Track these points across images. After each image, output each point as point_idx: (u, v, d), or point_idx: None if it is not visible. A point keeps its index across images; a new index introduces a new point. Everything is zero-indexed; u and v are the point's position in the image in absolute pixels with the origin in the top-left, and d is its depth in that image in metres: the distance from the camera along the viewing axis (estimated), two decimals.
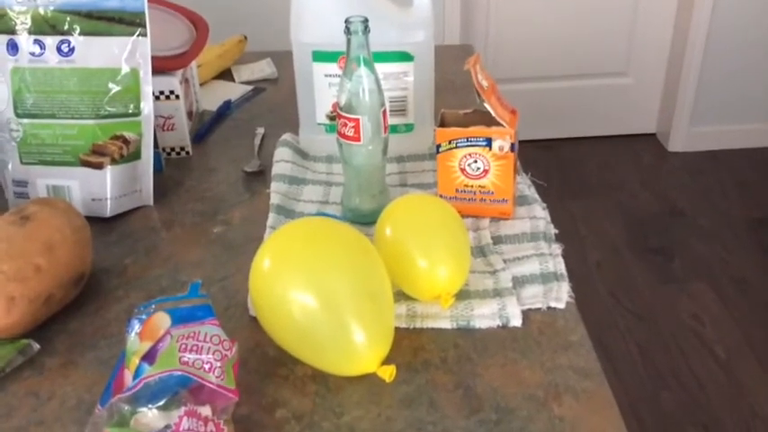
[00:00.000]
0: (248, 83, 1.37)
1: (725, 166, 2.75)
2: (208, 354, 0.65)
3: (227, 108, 1.27)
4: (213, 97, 1.30)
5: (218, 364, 0.65)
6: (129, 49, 0.94)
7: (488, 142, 0.90)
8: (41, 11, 0.92)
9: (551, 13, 2.66)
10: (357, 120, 0.89)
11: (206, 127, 1.21)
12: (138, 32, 0.93)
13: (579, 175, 2.73)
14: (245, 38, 1.43)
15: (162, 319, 0.67)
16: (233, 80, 1.38)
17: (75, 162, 0.96)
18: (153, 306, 0.69)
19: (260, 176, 1.08)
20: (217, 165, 1.12)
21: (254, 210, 1.00)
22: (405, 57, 1.03)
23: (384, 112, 0.91)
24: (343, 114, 0.89)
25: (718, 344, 1.99)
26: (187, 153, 1.14)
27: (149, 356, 0.65)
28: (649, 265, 2.29)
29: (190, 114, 1.17)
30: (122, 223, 0.99)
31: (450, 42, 2.58)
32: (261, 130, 1.19)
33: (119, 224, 0.99)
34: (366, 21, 0.86)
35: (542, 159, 2.80)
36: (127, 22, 0.93)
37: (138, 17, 0.93)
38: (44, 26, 0.92)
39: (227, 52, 1.39)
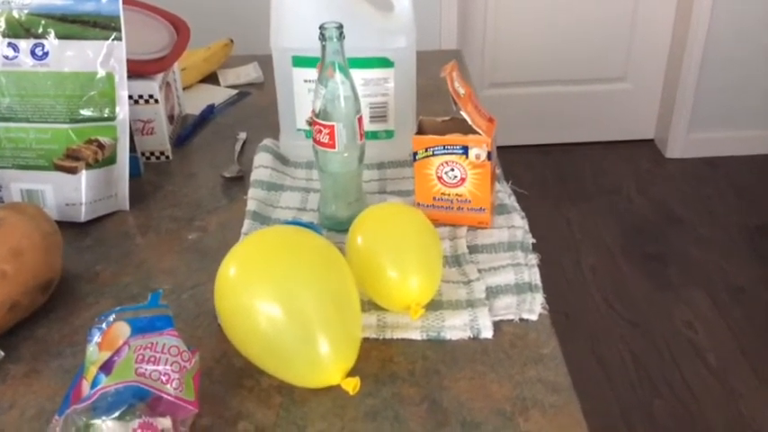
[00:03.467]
0: (234, 87, 1.36)
1: (723, 172, 2.73)
2: (165, 365, 0.64)
3: (210, 112, 1.26)
4: (197, 101, 1.29)
5: (177, 375, 0.64)
6: (105, 53, 0.93)
7: (465, 150, 0.89)
8: (16, 14, 0.91)
9: (550, 18, 2.65)
10: (332, 126, 0.88)
11: (188, 131, 1.20)
12: (113, 36, 0.93)
13: (576, 180, 2.71)
14: (232, 41, 1.42)
15: (121, 329, 0.67)
16: (218, 84, 1.37)
17: (49, 166, 0.95)
18: (113, 315, 0.68)
19: (239, 182, 1.07)
20: (197, 170, 1.11)
21: (231, 216, 0.99)
22: (385, 63, 1.02)
23: (360, 118, 0.89)
24: (318, 121, 0.88)
25: (712, 352, 1.97)
26: (167, 157, 1.13)
27: (107, 367, 0.64)
28: (645, 271, 2.27)
29: (171, 118, 1.16)
30: (97, 228, 0.98)
31: (447, 47, 2.56)
32: (243, 135, 1.18)
33: (93, 229, 0.98)
34: (341, 27, 0.85)
35: (539, 164, 2.79)
36: (102, 26, 0.92)
37: (114, 21, 0.92)
38: (18, 29, 0.91)
39: (212, 56, 1.38)
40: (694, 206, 2.55)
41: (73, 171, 0.95)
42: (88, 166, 0.96)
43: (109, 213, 1.00)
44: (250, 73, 1.39)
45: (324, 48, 0.85)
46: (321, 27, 0.84)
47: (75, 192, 0.96)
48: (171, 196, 1.05)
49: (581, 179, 2.72)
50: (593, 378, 1.91)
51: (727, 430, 1.75)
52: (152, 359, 0.63)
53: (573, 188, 2.66)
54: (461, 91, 0.89)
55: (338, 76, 0.87)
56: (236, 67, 1.41)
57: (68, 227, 0.97)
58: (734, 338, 2.02)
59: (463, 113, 0.87)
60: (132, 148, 1.06)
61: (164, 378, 0.63)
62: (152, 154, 1.12)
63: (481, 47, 2.69)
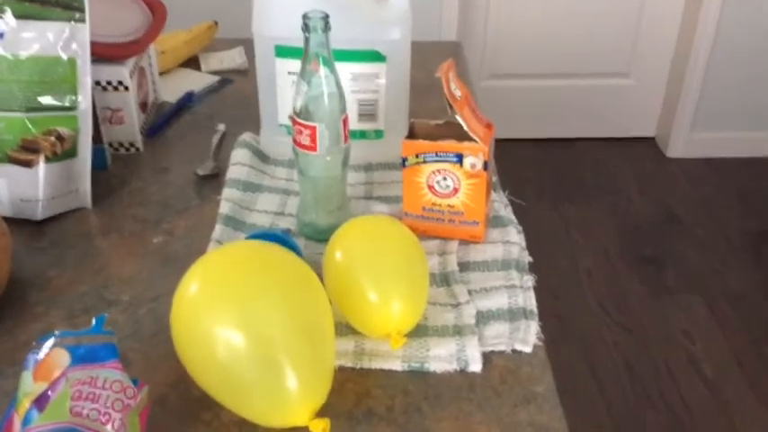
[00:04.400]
0: (216, 73, 1.27)
1: (725, 174, 2.65)
2: (106, 403, 0.56)
3: (188, 100, 1.18)
4: (175, 87, 1.20)
5: (118, 415, 0.56)
6: (66, 35, 0.84)
7: (459, 159, 0.81)
8: None
9: (554, 9, 2.56)
10: (314, 127, 0.79)
11: (162, 120, 1.11)
12: (76, 17, 0.84)
13: (574, 177, 2.63)
14: (216, 23, 1.33)
15: (60, 358, 0.58)
16: (200, 69, 1.28)
17: (2, 158, 0.86)
18: (52, 340, 0.60)
19: (213, 180, 0.99)
20: (169, 164, 1.03)
21: (202, 219, 0.91)
22: (376, 57, 0.93)
23: (345, 119, 0.81)
24: (299, 121, 0.80)
25: (707, 362, 1.91)
26: (137, 149, 1.04)
27: (41, 401, 0.56)
28: (641, 274, 2.20)
29: (144, 106, 1.07)
30: (54, 228, 0.90)
31: (448, 35, 2.47)
32: (221, 128, 1.10)
33: (50, 228, 0.90)
34: (326, 17, 0.76)
35: (537, 159, 2.70)
36: (64, 6, 0.83)
37: (77, 1, 0.83)
38: None
39: (194, 38, 1.29)
40: (694, 208, 2.48)
41: (29, 164, 0.86)
42: (46, 160, 0.87)
43: (69, 211, 0.92)
44: (234, 58, 1.30)
45: (307, 39, 0.77)
46: (304, 16, 0.76)
47: (32, 187, 0.87)
48: (138, 193, 0.96)
49: (579, 177, 2.64)
50: (583, 385, 1.84)
51: None
52: (91, 396, 0.55)
53: (571, 186, 2.58)
54: (458, 93, 0.80)
55: (322, 70, 0.78)
56: (220, 51, 1.32)
57: (23, 225, 0.89)
58: (730, 349, 1.95)
59: (459, 118, 0.79)
60: (98, 139, 0.98)
61: (103, 418, 0.55)
62: (121, 145, 1.03)
63: (482, 35, 2.60)
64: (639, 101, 2.74)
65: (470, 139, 0.80)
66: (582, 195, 2.54)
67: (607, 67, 2.68)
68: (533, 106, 2.73)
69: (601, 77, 2.70)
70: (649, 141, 2.82)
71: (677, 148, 2.70)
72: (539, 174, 2.64)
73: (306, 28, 0.76)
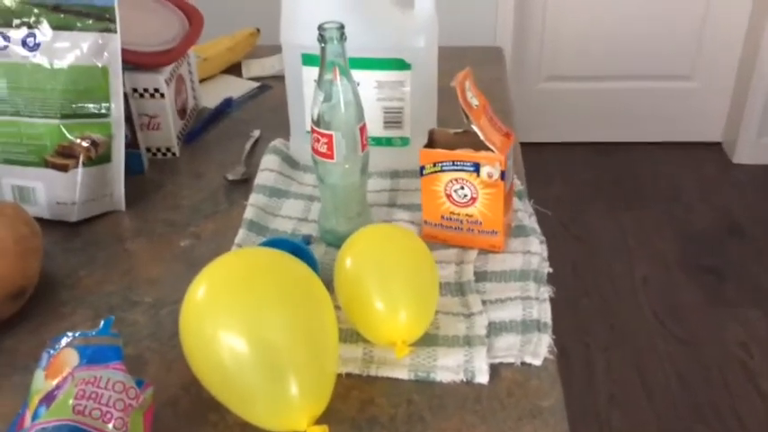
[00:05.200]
0: (257, 79, 1.30)
1: None
2: (108, 402, 0.58)
3: (227, 106, 1.20)
4: (216, 93, 1.23)
5: (119, 414, 0.58)
6: (99, 45, 0.88)
7: (476, 168, 0.80)
8: (7, 1, 0.86)
9: (614, 9, 2.50)
10: (330, 135, 0.80)
11: (200, 126, 1.14)
12: (107, 28, 0.87)
13: (633, 182, 2.57)
14: (258, 30, 1.36)
15: (69, 357, 0.61)
16: (241, 75, 1.31)
17: (40, 163, 0.90)
18: (65, 340, 0.63)
19: (243, 185, 1.01)
20: (203, 169, 1.06)
21: (228, 223, 0.93)
22: (401, 65, 0.94)
23: (362, 127, 0.82)
24: (316, 129, 0.81)
25: (765, 378, 1.83)
26: (173, 154, 1.07)
27: (48, 399, 0.59)
28: (700, 285, 2.13)
29: (182, 112, 1.10)
30: (88, 229, 0.93)
31: (503, 39, 2.45)
32: (256, 133, 1.12)
33: (84, 230, 0.93)
34: (342, 27, 0.77)
35: (595, 164, 2.65)
36: (96, 17, 0.87)
37: (108, 12, 0.87)
38: (9, 17, 0.87)
39: (236, 45, 1.32)
40: (759, 217, 2.39)
41: (64, 169, 0.90)
42: (82, 164, 0.91)
43: (103, 213, 0.95)
44: (275, 65, 1.32)
45: (323, 49, 0.78)
46: (320, 27, 0.77)
47: (68, 191, 0.91)
48: (171, 197, 0.99)
49: (639, 182, 2.57)
50: (633, 395, 1.79)
51: None
52: (93, 395, 0.58)
53: (630, 191, 2.52)
54: (474, 102, 0.80)
55: (339, 79, 0.79)
56: (262, 57, 1.35)
57: (59, 226, 0.93)
58: None
59: (475, 128, 0.79)
60: (135, 144, 1.01)
61: (105, 417, 0.57)
62: (158, 150, 1.07)
63: (540, 37, 2.56)
64: (704, 104, 2.66)
65: (486, 149, 0.79)
66: (640, 201, 2.48)
67: (670, 70, 2.61)
68: (592, 109, 2.68)
69: (663, 80, 2.63)
70: (714, 146, 2.73)
71: (744, 153, 2.61)
72: (596, 178, 2.58)
73: (321, 39, 0.77)
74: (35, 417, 0.58)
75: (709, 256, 2.24)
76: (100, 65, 0.88)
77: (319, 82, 0.80)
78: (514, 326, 0.75)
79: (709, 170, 2.62)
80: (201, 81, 1.22)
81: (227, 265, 0.67)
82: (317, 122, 0.80)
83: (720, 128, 2.70)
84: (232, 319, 0.63)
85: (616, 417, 1.73)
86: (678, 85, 2.64)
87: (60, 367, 0.61)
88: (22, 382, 0.72)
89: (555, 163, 2.62)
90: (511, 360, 0.72)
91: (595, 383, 1.82)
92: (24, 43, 0.87)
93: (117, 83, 0.89)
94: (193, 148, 1.11)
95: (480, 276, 0.82)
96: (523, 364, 0.72)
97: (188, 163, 1.07)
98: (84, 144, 0.89)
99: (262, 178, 0.98)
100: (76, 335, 0.63)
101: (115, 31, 0.87)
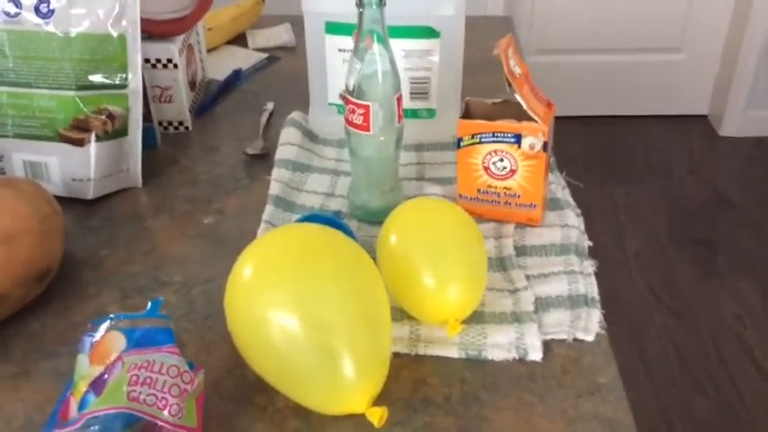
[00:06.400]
0: (263, 50, 1.25)
1: None
2: (163, 388, 0.55)
3: (236, 78, 1.16)
4: (222, 65, 1.19)
5: (175, 400, 0.55)
6: (116, 12, 0.83)
7: (518, 139, 0.78)
8: None
9: None
10: (367, 106, 0.77)
11: (210, 99, 1.10)
12: None
13: (623, 156, 2.57)
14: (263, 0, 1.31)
15: (115, 341, 0.58)
16: (247, 46, 1.26)
17: (54, 137, 0.86)
18: (107, 323, 0.59)
19: (263, 160, 0.97)
20: (218, 143, 1.02)
21: (253, 199, 0.90)
22: (430, 33, 0.90)
23: (399, 98, 0.79)
24: (352, 100, 0.78)
25: (760, 349, 1.85)
26: (186, 128, 1.03)
27: (97, 385, 0.56)
28: (692, 258, 2.14)
29: (192, 84, 1.06)
30: (105, 206, 0.89)
31: (493, 11, 2.42)
32: (269, 106, 1.08)
33: (101, 207, 0.89)
34: None
35: (585, 137, 2.64)
36: None
37: None
38: None
39: (242, 15, 1.27)
40: (748, 189, 2.40)
41: (80, 143, 0.86)
42: (97, 138, 0.86)
43: (119, 190, 0.91)
44: (281, 35, 1.28)
45: (361, 15, 0.74)
46: None
47: (83, 166, 0.87)
48: (187, 172, 0.95)
49: (629, 156, 2.57)
50: (631, 369, 1.80)
51: None
52: (148, 381, 0.55)
53: (620, 165, 2.52)
54: (517, 71, 0.77)
55: (376, 48, 0.76)
56: (267, 27, 1.30)
57: (74, 204, 0.88)
58: None
59: (518, 97, 0.76)
60: (148, 117, 0.97)
61: (160, 404, 0.54)
62: (170, 124, 1.02)
63: (530, 10, 2.54)
64: (692, 77, 2.66)
65: (529, 119, 0.77)
66: (631, 175, 2.48)
67: (658, 42, 2.60)
68: (581, 82, 2.67)
69: (651, 53, 2.62)
70: (702, 119, 2.74)
71: (731, 126, 2.62)
72: (586, 152, 2.58)
73: (360, 3, 0.74)
74: (83, 404, 0.55)
75: (699, 229, 2.25)
76: (117, 33, 0.84)
77: (355, 50, 0.76)
78: (562, 301, 0.73)
79: (697, 143, 2.63)
80: (207, 52, 1.17)
81: (275, 242, 0.64)
82: (352, 92, 0.77)
83: (707, 101, 2.71)
84: (283, 297, 0.60)
85: None
86: (666, 58, 2.63)
87: (106, 351, 0.58)
88: (53, 367, 0.69)
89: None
90: (562, 336, 0.70)
91: None
92: (37, 10, 0.82)
93: (135, 52, 0.85)
94: (204, 121, 1.07)
95: (520, 251, 0.80)
96: (575, 340, 0.70)
97: (201, 137, 1.03)
98: (102, 117, 0.85)
99: (284, 152, 0.94)
100: (121, 317, 0.60)
101: None
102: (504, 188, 0.82)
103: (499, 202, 0.83)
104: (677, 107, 2.72)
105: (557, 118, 0.81)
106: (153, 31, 0.93)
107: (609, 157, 2.56)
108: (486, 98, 0.83)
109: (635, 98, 2.71)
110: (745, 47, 2.47)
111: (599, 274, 0.77)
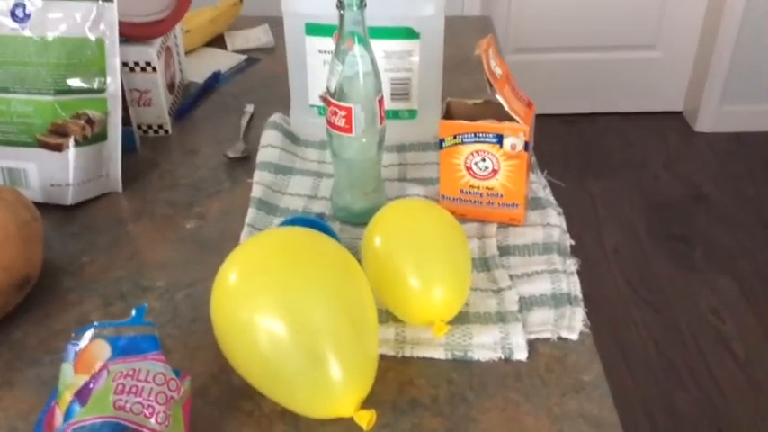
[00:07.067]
0: (242, 52, 1.25)
1: (755, 149, 2.60)
2: (149, 396, 0.54)
3: (215, 80, 1.15)
4: (201, 67, 1.18)
5: (162, 408, 0.54)
6: (94, 16, 0.82)
7: (499, 139, 0.78)
8: None
9: None
10: (349, 108, 0.77)
11: (189, 102, 1.09)
12: None
13: (600, 153, 2.59)
14: (241, 0, 1.30)
15: (100, 350, 0.57)
16: (225, 48, 1.26)
17: (32, 143, 0.85)
18: (91, 331, 0.59)
19: (244, 163, 0.97)
20: (198, 146, 1.01)
21: (234, 202, 0.89)
22: (410, 34, 0.90)
23: (380, 99, 0.79)
24: (334, 102, 0.77)
25: (738, 341, 1.88)
26: (165, 131, 1.02)
27: (82, 395, 0.55)
28: (670, 253, 2.16)
29: (171, 87, 1.05)
30: (85, 212, 0.88)
31: (470, 11, 2.43)
32: (250, 108, 1.08)
33: (81, 213, 0.88)
34: None
35: (562, 135, 2.66)
36: None
37: None
38: None
39: (220, 16, 1.26)
40: (724, 184, 2.43)
41: (58, 148, 0.85)
42: (76, 143, 0.85)
43: (99, 195, 0.90)
44: (260, 37, 1.27)
45: (341, 17, 0.74)
46: None
47: (62, 171, 0.86)
48: (168, 176, 0.95)
49: (606, 152, 2.59)
50: (612, 364, 1.82)
51: (751, 424, 1.67)
52: (134, 389, 0.54)
53: (597, 162, 2.54)
54: (498, 71, 0.78)
55: (357, 49, 0.76)
56: (245, 29, 1.30)
57: (53, 210, 0.87)
58: (762, 328, 1.92)
59: (499, 97, 0.76)
60: (127, 121, 0.96)
61: (147, 412, 0.54)
62: (149, 127, 1.02)
63: (506, 9, 2.55)
64: (667, 74, 2.69)
65: (510, 119, 0.77)
66: (608, 171, 2.50)
67: (633, 39, 2.62)
68: (558, 80, 2.69)
69: (626, 50, 2.65)
70: (677, 116, 2.77)
71: (706, 122, 2.65)
72: (563, 150, 2.60)
73: (340, 4, 0.74)
74: (69, 414, 0.55)
75: (676, 225, 2.27)
76: (95, 37, 0.83)
77: (337, 51, 0.76)
78: (545, 300, 0.74)
79: (673, 139, 2.66)
80: (185, 54, 1.16)
81: (260, 246, 0.64)
82: (333, 94, 0.77)
83: (682, 97, 2.74)
84: (269, 301, 0.60)
85: None
86: (641, 55, 2.66)
87: (91, 360, 0.57)
88: (36, 375, 0.68)
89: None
90: (546, 335, 0.70)
91: None
92: (13, 14, 0.81)
93: (113, 56, 0.84)
94: (183, 124, 1.06)
95: (503, 251, 0.81)
96: (559, 338, 0.70)
97: (180, 140, 1.03)
98: (80, 122, 0.84)
99: (265, 155, 0.94)
100: (105, 325, 0.59)
101: (111, 0, 0.82)
102: (487, 188, 0.82)
103: (482, 203, 0.83)
104: (653, 104, 2.75)
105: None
106: (131, 34, 0.92)
107: (586, 155, 2.58)
108: (466, 98, 0.84)
109: (611, 95, 2.73)
110: (719, 43, 2.50)
111: (579, 271, 0.78)
